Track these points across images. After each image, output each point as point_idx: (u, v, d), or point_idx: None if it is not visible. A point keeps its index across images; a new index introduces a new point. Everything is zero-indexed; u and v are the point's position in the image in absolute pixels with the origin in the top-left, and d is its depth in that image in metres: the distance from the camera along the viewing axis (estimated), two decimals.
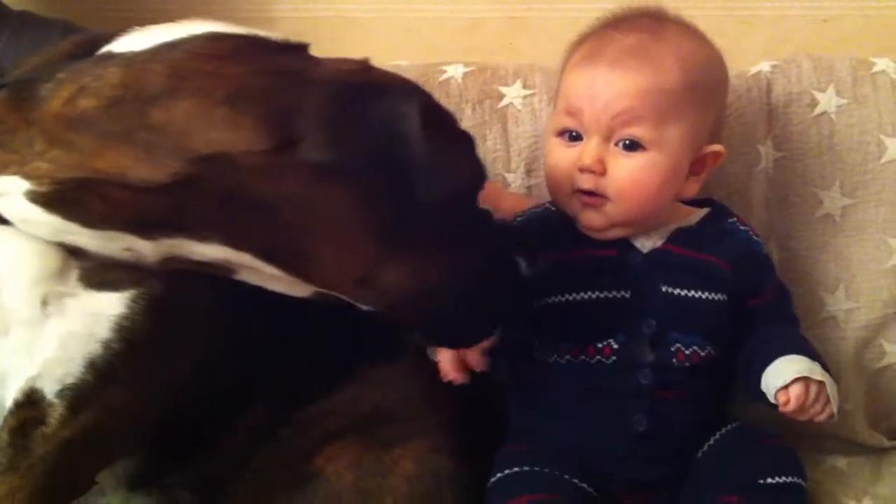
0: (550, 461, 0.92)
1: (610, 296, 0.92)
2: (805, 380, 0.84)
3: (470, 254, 0.80)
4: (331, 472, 0.86)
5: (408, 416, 0.93)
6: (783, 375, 0.86)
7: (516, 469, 0.91)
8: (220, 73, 0.71)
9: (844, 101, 1.12)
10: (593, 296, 0.92)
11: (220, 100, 0.69)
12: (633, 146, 0.89)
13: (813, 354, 0.90)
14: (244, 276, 0.78)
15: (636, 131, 0.88)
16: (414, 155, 0.72)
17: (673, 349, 0.91)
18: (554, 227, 0.96)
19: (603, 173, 0.89)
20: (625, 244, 0.94)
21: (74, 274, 0.76)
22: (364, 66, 0.77)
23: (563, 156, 0.92)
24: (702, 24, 1.32)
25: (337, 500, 0.85)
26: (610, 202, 0.91)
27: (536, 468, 0.91)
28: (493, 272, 0.83)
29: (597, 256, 0.93)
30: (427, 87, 1.14)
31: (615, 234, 0.93)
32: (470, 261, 0.80)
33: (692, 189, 0.94)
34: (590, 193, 0.91)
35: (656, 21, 0.94)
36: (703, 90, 0.91)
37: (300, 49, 0.79)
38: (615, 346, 0.91)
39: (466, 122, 1.15)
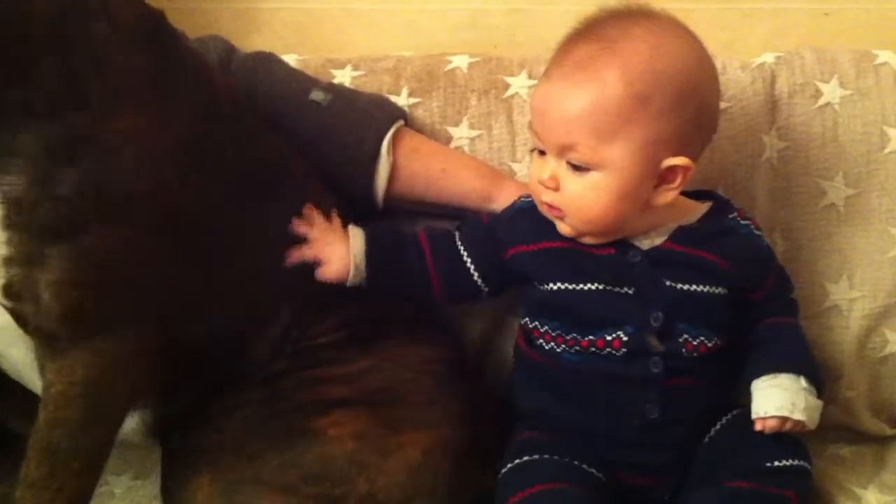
0: (560, 448, 0.92)
1: (614, 290, 0.92)
2: (783, 418, 0.88)
3: None
4: (332, 435, 0.85)
5: (421, 401, 0.93)
6: (765, 406, 0.89)
7: (526, 458, 0.91)
8: None
9: (848, 92, 1.13)
10: (599, 287, 0.92)
11: None
12: (578, 167, 0.88)
13: (805, 365, 0.92)
14: None
15: (575, 155, 0.88)
16: None
17: (681, 340, 0.92)
18: None
19: (557, 189, 0.90)
20: (623, 243, 0.94)
21: None
22: None
23: (534, 168, 0.94)
24: (703, 17, 1.34)
25: (329, 462, 0.84)
26: (567, 216, 0.91)
27: (546, 456, 0.91)
28: None
29: (596, 254, 0.93)
30: (432, 77, 1.18)
31: (591, 241, 0.93)
32: None
33: (666, 198, 0.91)
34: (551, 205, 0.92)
35: (625, 25, 0.89)
36: (656, 101, 0.86)
37: None
38: (624, 339, 0.91)
39: (472, 112, 1.16)
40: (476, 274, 0.98)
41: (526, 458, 0.91)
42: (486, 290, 1.00)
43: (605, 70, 0.86)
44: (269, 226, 0.96)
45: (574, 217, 0.91)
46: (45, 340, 0.83)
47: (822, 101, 1.14)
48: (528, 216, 0.97)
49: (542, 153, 0.92)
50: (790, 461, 0.89)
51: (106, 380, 0.83)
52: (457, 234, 1.01)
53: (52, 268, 0.80)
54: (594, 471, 0.92)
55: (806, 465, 0.90)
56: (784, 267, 1.03)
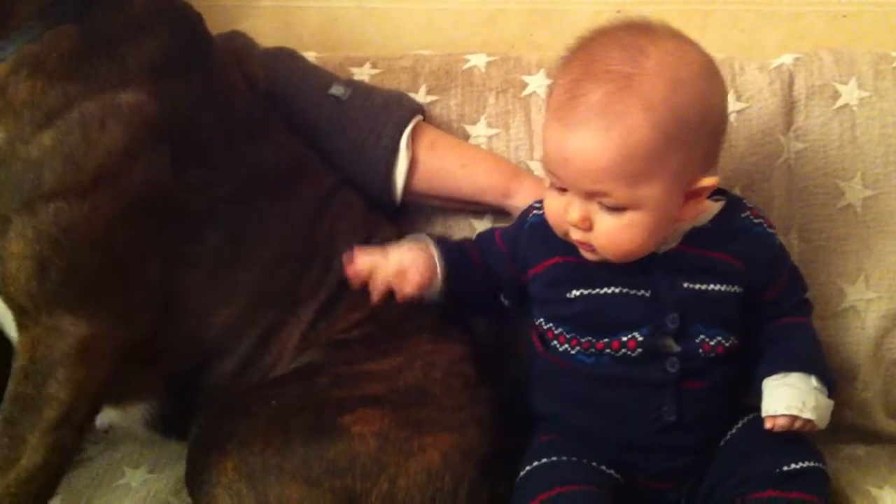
0: (577, 450, 0.92)
1: (630, 293, 0.92)
2: (793, 417, 0.88)
3: None
4: (356, 432, 0.86)
5: (447, 404, 0.92)
6: (775, 404, 0.89)
7: (545, 460, 0.91)
8: None
9: (866, 93, 1.14)
10: (616, 290, 0.92)
11: None
12: (612, 207, 0.86)
13: (816, 364, 0.92)
14: None
15: (608, 200, 0.86)
16: None
17: (698, 341, 0.91)
18: None
19: (589, 229, 0.88)
20: None
21: None
22: None
23: (555, 202, 0.91)
24: (720, 19, 1.36)
25: (352, 459, 0.85)
26: (599, 251, 0.90)
27: (564, 458, 0.91)
28: None
29: (612, 264, 0.92)
30: (450, 76, 1.19)
31: (615, 262, 0.92)
32: None
33: (692, 212, 0.91)
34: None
35: (634, 57, 0.85)
36: (683, 134, 0.84)
37: None
38: (640, 339, 0.91)
39: (490, 111, 1.17)
40: (504, 293, 1.01)
41: (544, 460, 0.91)
42: (508, 304, 1.03)
43: (628, 114, 0.82)
44: (281, 225, 0.97)
45: (607, 251, 0.89)
46: (16, 311, 0.85)
47: (840, 103, 1.14)
48: (539, 233, 0.96)
49: (562, 190, 0.90)
50: (805, 463, 0.89)
51: (64, 363, 0.84)
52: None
53: (15, 238, 0.81)
54: (612, 472, 0.92)
55: (821, 465, 0.90)
56: (799, 267, 1.02)
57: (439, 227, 1.14)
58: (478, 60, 1.20)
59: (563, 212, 0.89)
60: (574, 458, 0.91)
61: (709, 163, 0.89)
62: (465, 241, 1.05)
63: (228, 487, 0.84)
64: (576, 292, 0.93)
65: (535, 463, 0.92)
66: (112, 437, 1.12)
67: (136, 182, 0.86)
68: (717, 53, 1.20)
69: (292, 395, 0.90)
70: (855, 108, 1.13)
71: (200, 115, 0.92)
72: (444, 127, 1.16)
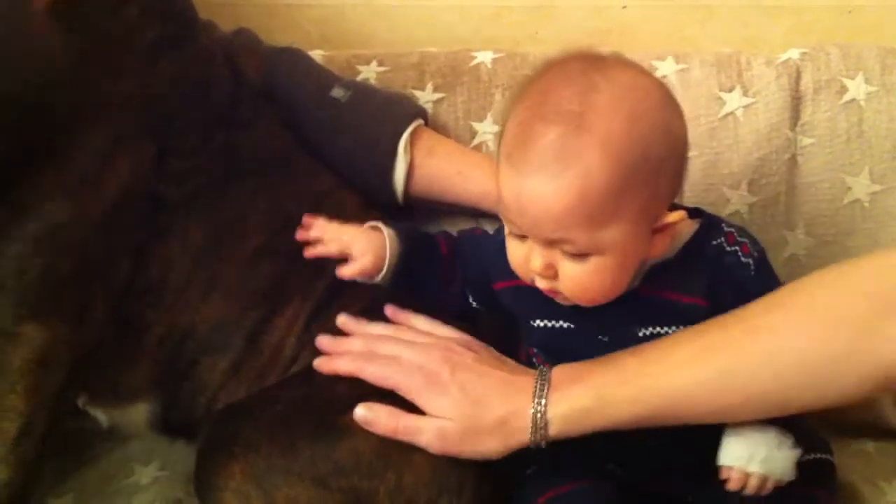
0: (581, 446, 0.91)
1: (587, 334, 0.89)
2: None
3: None
4: (358, 430, 0.85)
5: None
6: (724, 455, 0.83)
7: (549, 458, 0.90)
8: None
9: (873, 88, 1.13)
10: (573, 326, 0.89)
11: None
12: (575, 254, 0.82)
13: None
14: None
15: (570, 247, 0.81)
16: None
17: None
18: None
19: (555, 277, 0.84)
20: None
21: None
22: None
23: (517, 250, 0.86)
24: (725, 14, 1.36)
25: (357, 457, 0.85)
26: (568, 298, 0.86)
27: (569, 456, 0.90)
28: None
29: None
30: (457, 73, 1.19)
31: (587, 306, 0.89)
32: None
33: (661, 247, 0.86)
34: None
35: (584, 93, 0.79)
36: (644, 170, 0.79)
37: None
38: None
39: (496, 107, 1.17)
40: (471, 297, 1.00)
41: (549, 457, 0.91)
42: (483, 309, 1.01)
43: (584, 155, 0.77)
44: (263, 220, 0.97)
45: (577, 299, 0.85)
46: None
47: (847, 97, 1.14)
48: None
49: (523, 237, 0.85)
50: (812, 455, 0.88)
51: (23, 372, 0.83)
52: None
53: None
54: (617, 468, 0.91)
55: (828, 457, 0.89)
56: (805, 263, 1.03)
57: (445, 227, 1.13)
58: (484, 57, 1.20)
59: (525, 260, 0.85)
60: (578, 455, 0.90)
61: (674, 192, 0.85)
62: (441, 233, 1.03)
63: (237, 491, 0.84)
64: (540, 322, 0.92)
65: (540, 460, 0.91)
66: (120, 435, 1.12)
67: (122, 181, 0.86)
68: (723, 48, 1.22)
69: (295, 397, 0.90)
70: (862, 103, 1.13)
71: (181, 103, 0.92)
72: (451, 124, 1.16)
